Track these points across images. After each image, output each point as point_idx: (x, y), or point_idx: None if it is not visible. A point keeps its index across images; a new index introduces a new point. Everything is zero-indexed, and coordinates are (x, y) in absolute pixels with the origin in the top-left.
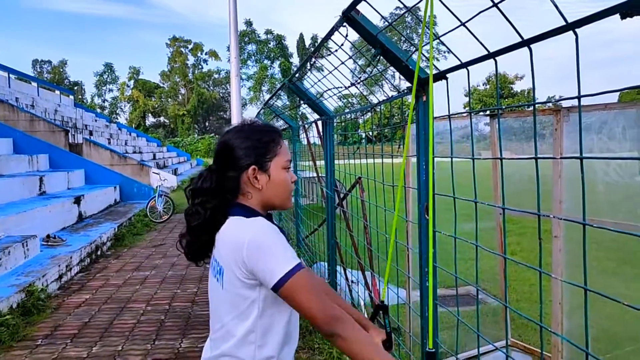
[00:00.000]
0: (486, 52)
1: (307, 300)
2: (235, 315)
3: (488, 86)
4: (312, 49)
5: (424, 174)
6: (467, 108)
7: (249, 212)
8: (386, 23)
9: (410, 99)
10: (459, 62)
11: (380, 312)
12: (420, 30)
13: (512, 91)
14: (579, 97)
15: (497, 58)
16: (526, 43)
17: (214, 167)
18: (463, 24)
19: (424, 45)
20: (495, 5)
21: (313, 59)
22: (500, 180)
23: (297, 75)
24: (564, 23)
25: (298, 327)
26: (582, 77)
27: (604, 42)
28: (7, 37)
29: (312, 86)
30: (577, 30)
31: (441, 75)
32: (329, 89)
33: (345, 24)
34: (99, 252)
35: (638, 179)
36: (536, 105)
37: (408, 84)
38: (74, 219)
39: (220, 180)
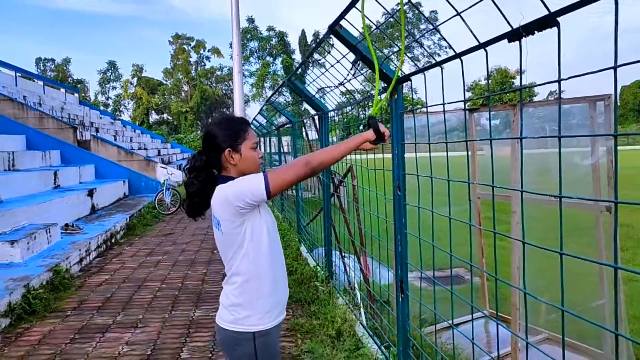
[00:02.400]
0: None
1: (284, 177)
2: (234, 248)
3: (490, 80)
4: (313, 46)
5: (397, 156)
6: (488, 83)
7: (229, 179)
8: (373, 28)
9: (391, 95)
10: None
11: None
12: (422, 26)
13: (513, 85)
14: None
15: (487, 48)
16: (517, 37)
17: (202, 150)
18: (459, 14)
19: (397, 52)
20: None
21: (311, 58)
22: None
23: (296, 74)
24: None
25: (281, 249)
26: (583, 69)
27: (607, 34)
28: (11, 35)
29: (310, 84)
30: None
31: (406, 78)
32: (321, 88)
33: (331, 35)
34: (113, 240)
35: (587, 162)
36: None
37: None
38: (87, 211)
39: (207, 159)
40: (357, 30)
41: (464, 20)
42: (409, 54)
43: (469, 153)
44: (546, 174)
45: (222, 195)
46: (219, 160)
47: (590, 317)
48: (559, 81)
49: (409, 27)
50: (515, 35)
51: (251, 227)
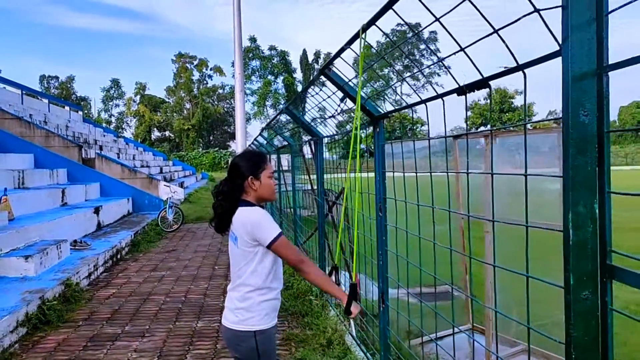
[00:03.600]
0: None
1: (285, 252)
2: (245, 262)
3: (488, 100)
4: (318, 63)
5: (379, 182)
6: (467, 123)
7: (250, 204)
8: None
9: (374, 129)
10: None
11: (334, 271)
12: (422, 46)
13: (512, 106)
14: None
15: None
16: (463, 92)
17: (228, 178)
18: (462, 49)
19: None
20: (495, 32)
21: (307, 91)
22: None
23: (295, 101)
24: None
25: (281, 272)
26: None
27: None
28: (16, 52)
29: (309, 111)
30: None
31: (385, 115)
32: (314, 118)
33: (322, 76)
34: (119, 256)
35: (555, 187)
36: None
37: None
38: (94, 227)
39: (232, 185)
40: (350, 65)
41: (467, 55)
42: (408, 73)
43: (449, 175)
44: (520, 196)
45: (245, 219)
46: (242, 186)
47: (560, 329)
48: (524, 124)
49: (409, 47)
50: (462, 91)
51: (262, 251)
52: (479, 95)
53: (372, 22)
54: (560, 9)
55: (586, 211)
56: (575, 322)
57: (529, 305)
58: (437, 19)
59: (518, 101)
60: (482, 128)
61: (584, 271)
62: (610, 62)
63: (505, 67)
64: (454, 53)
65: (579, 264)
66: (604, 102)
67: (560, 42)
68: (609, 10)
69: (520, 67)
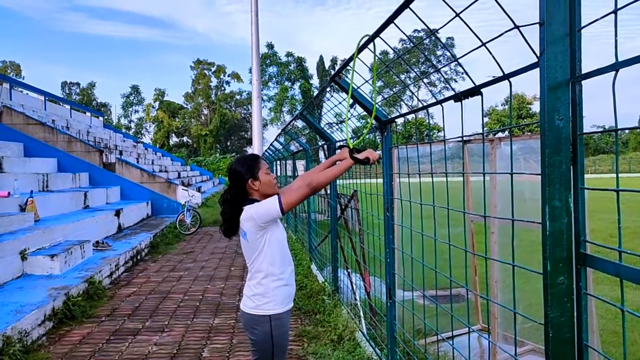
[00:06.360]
0: (501, 74)
1: (293, 199)
2: (256, 252)
3: (506, 106)
4: (334, 69)
5: (387, 184)
6: (484, 128)
7: (256, 202)
8: (361, 84)
9: (382, 133)
10: (473, 85)
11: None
12: (438, 52)
13: (530, 111)
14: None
15: (484, 89)
16: (458, 99)
17: (230, 185)
18: (484, 44)
19: (392, 94)
20: (484, 44)
21: (321, 95)
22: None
23: (310, 105)
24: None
25: (289, 253)
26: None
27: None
28: (38, 59)
29: (325, 114)
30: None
31: (391, 120)
32: (328, 123)
33: (332, 83)
34: (139, 257)
35: None
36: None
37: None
38: (114, 229)
39: (235, 191)
40: (360, 75)
41: (488, 50)
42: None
43: (460, 179)
44: (523, 199)
45: (248, 214)
46: (244, 188)
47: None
48: (510, 127)
49: (426, 54)
50: (457, 97)
51: (269, 238)
52: (497, 101)
53: (377, 34)
54: (537, 25)
55: (561, 204)
56: (552, 304)
57: (514, 292)
58: (458, 15)
59: (536, 107)
60: (500, 134)
61: (559, 258)
62: (582, 72)
63: (493, 77)
64: (475, 49)
65: (554, 252)
66: (577, 108)
67: (539, 55)
68: (582, 25)
69: (506, 77)
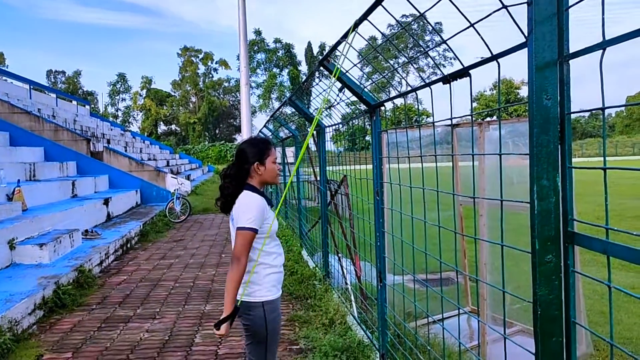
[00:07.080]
0: (489, 55)
1: (239, 242)
2: None
3: (494, 91)
4: (322, 55)
5: (377, 167)
6: (471, 112)
7: (252, 189)
8: (352, 66)
9: (371, 117)
10: (462, 66)
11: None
12: (426, 37)
13: (518, 96)
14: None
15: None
16: (446, 81)
17: (235, 161)
18: (472, 25)
19: (382, 77)
20: (471, 25)
21: (310, 80)
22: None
23: (299, 90)
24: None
25: (279, 243)
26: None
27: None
28: (21, 47)
29: (313, 99)
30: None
31: (380, 103)
32: (317, 108)
33: (321, 67)
34: (128, 245)
35: None
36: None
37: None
38: (103, 218)
39: (239, 169)
40: (349, 60)
41: (477, 31)
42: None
43: (448, 163)
44: (511, 183)
45: (239, 202)
46: (248, 170)
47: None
48: (498, 108)
49: (415, 38)
50: (446, 79)
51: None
52: (485, 86)
53: (364, 17)
54: (525, 4)
55: (549, 184)
56: (540, 282)
57: (504, 272)
58: None
59: (524, 91)
60: (488, 118)
61: (547, 237)
62: (570, 52)
63: (482, 58)
64: (464, 29)
65: (543, 230)
66: (565, 87)
67: (527, 35)
68: (569, 4)
69: (494, 57)
